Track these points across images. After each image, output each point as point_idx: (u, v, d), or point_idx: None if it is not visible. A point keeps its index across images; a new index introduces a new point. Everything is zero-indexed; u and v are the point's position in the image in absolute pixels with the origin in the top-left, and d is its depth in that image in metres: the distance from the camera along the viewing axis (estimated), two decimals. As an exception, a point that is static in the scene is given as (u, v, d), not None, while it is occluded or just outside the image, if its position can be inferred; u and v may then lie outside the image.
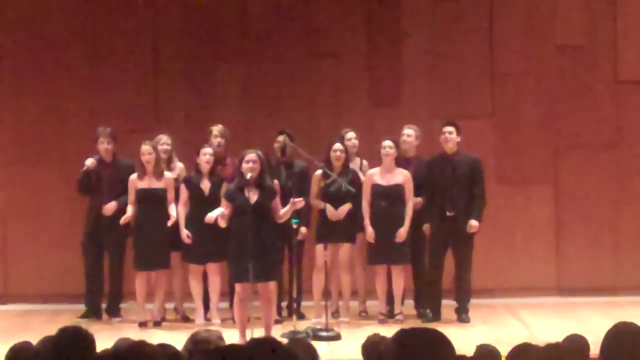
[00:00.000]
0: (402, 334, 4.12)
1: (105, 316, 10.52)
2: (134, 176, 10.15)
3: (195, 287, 10.15)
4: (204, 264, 10.06)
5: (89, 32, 11.67)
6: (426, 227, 10.16)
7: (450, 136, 10.21)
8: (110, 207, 10.31)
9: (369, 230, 9.98)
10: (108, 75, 11.64)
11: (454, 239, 10.11)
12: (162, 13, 11.72)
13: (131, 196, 10.13)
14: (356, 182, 10.06)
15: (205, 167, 10.08)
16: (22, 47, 11.65)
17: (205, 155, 10.07)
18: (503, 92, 11.75)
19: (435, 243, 10.17)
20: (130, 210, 10.08)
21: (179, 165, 10.51)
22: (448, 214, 10.05)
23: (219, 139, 10.40)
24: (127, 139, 10.78)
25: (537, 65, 11.73)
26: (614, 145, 11.74)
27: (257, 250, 8.73)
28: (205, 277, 10.15)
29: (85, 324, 9.02)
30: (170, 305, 10.49)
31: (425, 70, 11.74)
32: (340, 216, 10.06)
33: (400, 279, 10.09)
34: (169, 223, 9.98)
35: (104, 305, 10.61)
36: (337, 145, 10.13)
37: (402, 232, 9.95)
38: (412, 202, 10.03)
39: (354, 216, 10.10)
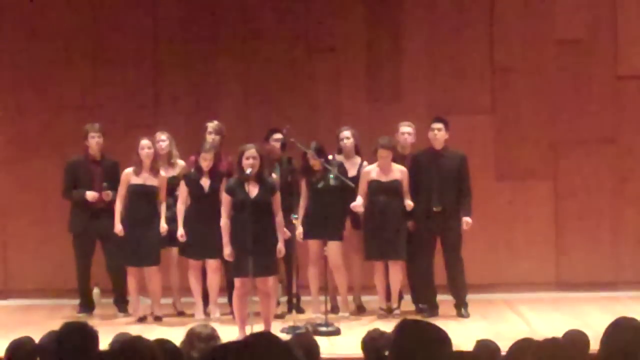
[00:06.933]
0: (403, 324, 4.13)
1: (107, 310, 10.52)
2: (128, 170, 10.09)
3: (194, 283, 10.12)
4: (202, 259, 10.04)
5: (89, 27, 11.65)
6: (410, 224, 10.14)
7: (440, 133, 10.19)
8: (91, 194, 10.23)
9: (359, 201, 9.90)
10: (107, 70, 11.61)
11: (442, 234, 10.10)
12: (162, 8, 11.71)
13: (122, 190, 10.06)
14: (344, 175, 10.02)
15: (206, 168, 10.01)
16: (21, 42, 11.63)
17: (206, 160, 9.98)
18: (503, 87, 11.73)
19: (423, 239, 10.14)
20: (118, 204, 10.06)
21: (179, 163, 10.46)
22: (435, 209, 10.04)
23: (213, 136, 10.36)
24: (126, 135, 10.77)
25: (537, 60, 11.70)
26: (613, 141, 11.73)
27: (257, 245, 8.74)
28: (203, 273, 10.14)
29: (85, 319, 9.02)
30: (168, 301, 10.48)
31: (425, 66, 11.72)
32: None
33: (398, 274, 10.06)
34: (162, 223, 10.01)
35: (103, 300, 10.63)
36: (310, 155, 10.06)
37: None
38: (409, 197, 10.03)
39: (342, 213, 10.08)
